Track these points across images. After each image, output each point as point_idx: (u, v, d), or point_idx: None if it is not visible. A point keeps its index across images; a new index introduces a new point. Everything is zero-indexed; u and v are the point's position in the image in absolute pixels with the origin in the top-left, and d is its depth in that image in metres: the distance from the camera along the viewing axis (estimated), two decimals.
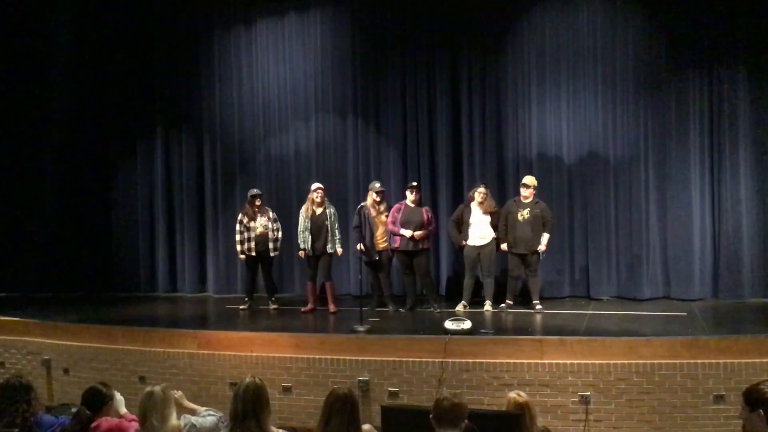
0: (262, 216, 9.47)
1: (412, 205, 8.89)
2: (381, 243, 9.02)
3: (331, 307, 9.02)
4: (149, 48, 11.47)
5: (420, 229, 8.72)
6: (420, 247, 8.79)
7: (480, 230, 8.79)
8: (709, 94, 9.19)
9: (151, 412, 3.93)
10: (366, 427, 4.08)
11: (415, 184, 9.12)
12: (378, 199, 9.03)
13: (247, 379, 3.79)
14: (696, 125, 9.23)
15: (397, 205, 8.99)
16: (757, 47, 9.01)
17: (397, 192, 10.12)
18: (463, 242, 8.89)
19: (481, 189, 8.85)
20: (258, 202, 9.47)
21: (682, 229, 9.26)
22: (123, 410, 4.70)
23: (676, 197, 9.30)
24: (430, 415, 3.64)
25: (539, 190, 8.89)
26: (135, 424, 4.27)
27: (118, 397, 4.67)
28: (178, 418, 4.08)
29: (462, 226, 8.90)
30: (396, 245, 8.86)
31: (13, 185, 11.72)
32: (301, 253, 9.27)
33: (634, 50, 9.42)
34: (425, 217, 8.84)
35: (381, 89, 10.46)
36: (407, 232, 8.70)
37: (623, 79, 9.47)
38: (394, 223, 8.83)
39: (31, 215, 11.69)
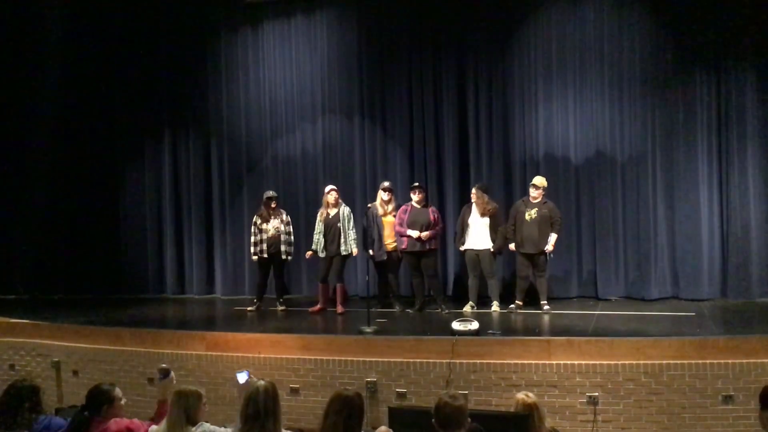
0: (275, 218, 9.45)
1: (418, 206, 8.90)
2: (389, 243, 9.04)
3: (339, 308, 9.02)
4: (156, 50, 11.50)
5: (426, 230, 8.73)
6: (427, 247, 8.80)
7: (477, 232, 8.78)
8: (716, 93, 9.16)
9: (180, 411, 3.96)
10: (383, 428, 4.09)
11: (417, 184, 9.12)
12: (387, 198, 9.06)
13: (262, 381, 3.85)
14: (703, 124, 9.20)
15: (403, 207, 9.00)
16: (764, 45, 8.97)
17: (404, 193, 10.12)
18: (461, 247, 8.93)
19: (474, 190, 8.87)
20: (273, 204, 9.46)
21: (691, 229, 9.23)
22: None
23: (684, 197, 9.27)
24: (433, 421, 3.63)
25: (547, 191, 8.88)
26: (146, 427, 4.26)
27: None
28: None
29: (465, 227, 8.92)
30: (404, 246, 8.88)
31: (22, 188, 11.76)
32: (308, 254, 9.29)
33: (641, 49, 9.40)
34: (432, 217, 8.84)
35: (387, 90, 10.46)
36: (414, 233, 8.71)
37: (630, 78, 9.45)
38: (401, 224, 8.85)
39: (39, 218, 11.71)
